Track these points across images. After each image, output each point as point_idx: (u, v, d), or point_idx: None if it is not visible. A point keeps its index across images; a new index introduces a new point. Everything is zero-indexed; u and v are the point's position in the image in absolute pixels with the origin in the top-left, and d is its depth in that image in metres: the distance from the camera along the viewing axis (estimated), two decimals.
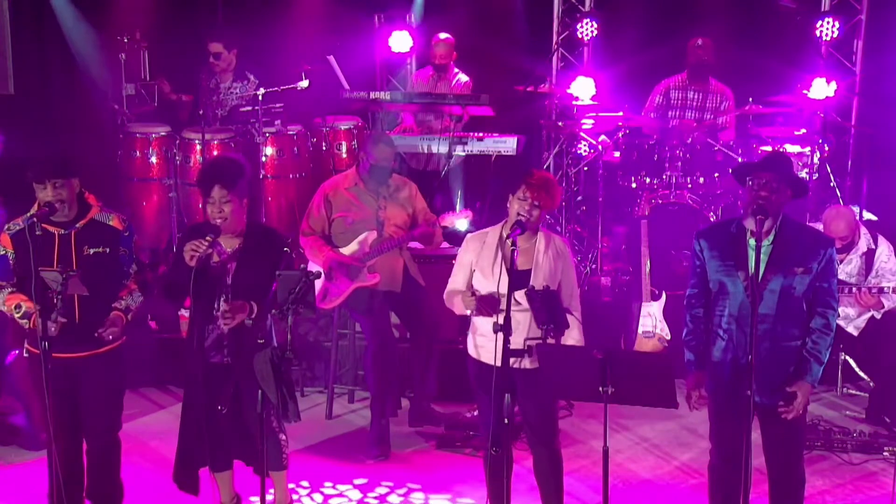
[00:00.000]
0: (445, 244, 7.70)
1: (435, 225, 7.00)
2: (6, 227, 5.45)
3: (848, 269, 7.36)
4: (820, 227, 7.38)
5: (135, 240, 5.58)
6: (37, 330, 5.17)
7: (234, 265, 5.53)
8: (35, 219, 5.29)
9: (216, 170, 5.59)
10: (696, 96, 9.12)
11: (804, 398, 5.05)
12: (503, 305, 5.08)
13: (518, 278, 5.25)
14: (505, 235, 5.32)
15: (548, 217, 8.93)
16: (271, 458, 5.67)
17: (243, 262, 5.52)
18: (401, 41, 9.83)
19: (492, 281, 5.27)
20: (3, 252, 5.43)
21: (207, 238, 5.36)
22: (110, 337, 5.37)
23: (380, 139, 7.09)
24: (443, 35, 9.40)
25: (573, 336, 5.35)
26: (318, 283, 6.68)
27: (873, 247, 7.35)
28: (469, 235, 5.60)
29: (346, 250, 6.89)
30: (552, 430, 5.54)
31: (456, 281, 5.52)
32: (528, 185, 5.30)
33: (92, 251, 5.37)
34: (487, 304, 5.25)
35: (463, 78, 9.38)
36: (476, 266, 5.42)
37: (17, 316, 5.38)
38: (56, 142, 8.62)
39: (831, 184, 9.27)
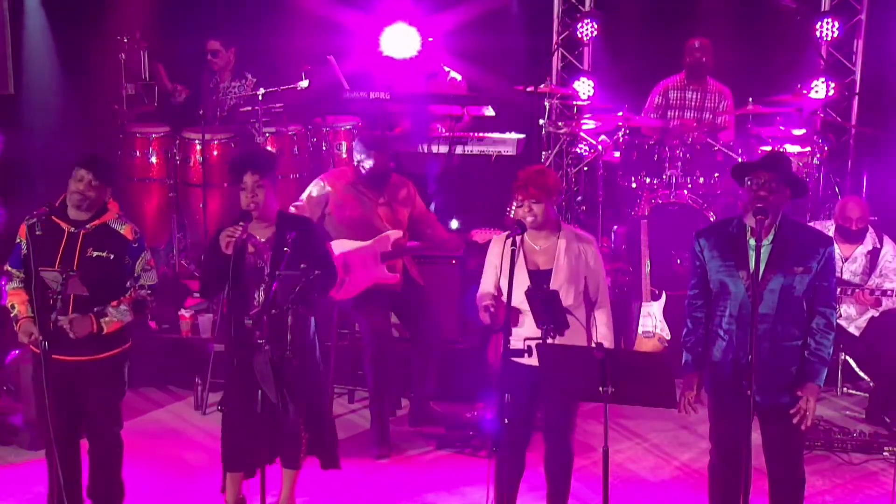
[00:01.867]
0: None
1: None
2: (26, 218, 5.48)
3: (853, 267, 7.38)
4: (825, 225, 7.39)
5: (147, 258, 5.51)
6: (29, 331, 5.25)
7: (269, 255, 5.54)
8: (35, 218, 5.32)
9: (248, 156, 5.67)
10: (694, 96, 9.12)
11: (814, 401, 5.05)
12: (520, 306, 5.13)
13: (540, 278, 5.34)
14: (506, 236, 5.34)
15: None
16: (289, 456, 5.73)
17: (279, 250, 5.52)
18: (402, 44, 9.69)
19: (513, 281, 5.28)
20: (18, 241, 5.46)
21: (240, 224, 5.40)
22: (71, 333, 5.27)
23: (374, 146, 7.02)
24: (428, 39, 9.37)
25: (602, 333, 5.43)
26: None
27: (878, 246, 7.37)
28: (495, 238, 5.66)
29: (354, 245, 6.90)
30: (569, 425, 5.55)
31: (486, 283, 5.56)
32: (517, 188, 5.35)
33: (95, 254, 5.36)
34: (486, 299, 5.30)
35: (456, 77, 9.36)
36: (499, 268, 5.45)
37: (11, 315, 5.41)
38: (56, 142, 8.61)
39: (831, 184, 9.28)
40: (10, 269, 5.50)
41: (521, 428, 5.36)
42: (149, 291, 5.52)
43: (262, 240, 5.58)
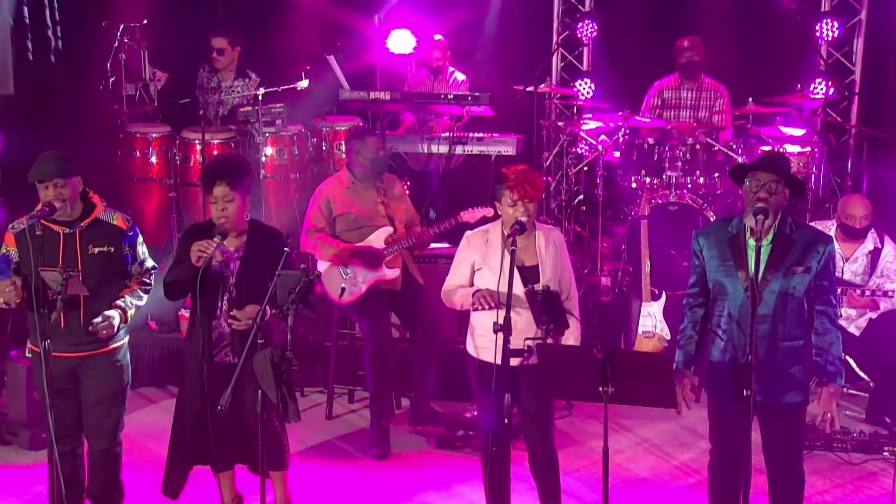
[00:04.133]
0: (445, 244, 7.71)
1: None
2: (11, 225, 5.46)
3: (853, 267, 7.38)
4: (826, 225, 7.39)
5: (142, 241, 5.58)
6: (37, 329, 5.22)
7: (237, 264, 5.53)
8: (36, 218, 5.29)
9: (219, 167, 5.61)
10: (689, 95, 9.12)
11: (834, 402, 5.06)
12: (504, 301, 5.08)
13: (526, 275, 5.31)
14: (506, 235, 5.31)
15: (549, 221, 8.94)
16: (273, 459, 5.67)
17: (247, 261, 5.52)
18: (402, 42, 9.83)
19: (498, 278, 5.26)
20: (4, 251, 5.43)
21: (216, 240, 5.35)
22: (103, 333, 5.35)
23: (366, 134, 7.14)
24: (436, 37, 9.41)
25: (570, 326, 5.36)
26: (339, 281, 6.74)
27: (879, 246, 7.37)
28: (469, 233, 5.59)
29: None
30: (549, 427, 5.55)
31: (455, 278, 5.52)
32: (511, 187, 5.29)
33: (97, 250, 5.38)
34: (492, 298, 5.25)
35: (460, 77, 9.39)
36: (482, 264, 5.41)
37: None
38: (56, 142, 8.59)
39: (831, 184, 9.27)
40: None
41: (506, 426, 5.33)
42: (152, 273, 5.61)
43: (231, 249, 5.56)
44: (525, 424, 5.56)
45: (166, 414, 7.46)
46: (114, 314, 5.38)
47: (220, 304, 5.52)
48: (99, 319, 5.34)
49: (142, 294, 5.55)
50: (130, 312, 5.47)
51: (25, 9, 9.25)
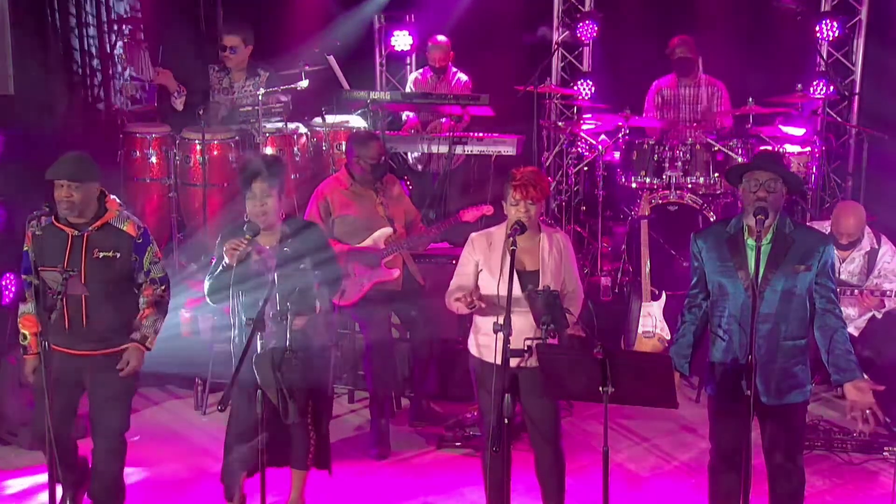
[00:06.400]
0: (445, 244, 7.72)
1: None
2: (29, 226, 5.48)
3: (850, 268, 7.36)
4: (824, 225, 7.38)
5: (154, 250, 5.53)
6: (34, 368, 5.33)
7: (274, 262, 5.52)
8: (38, 217, 5.31)
9: (257, 164, 5.60)
10: (687, 92, 9.16)
11: (869, 395, 5.02)
12: (503, 304, 5.07)
13: (526, 279, 5.31)
14: (507, 235, 5.31)
15: (549, 221, 8.94)
16: (298, 457, 5.74)
17: (286, 256, 5.50)
18: (401, 41, 9.92)
19: (498, 280, 5.27)
20: (26, 249, 5.47)
21: (247, 237, 5.37)
22: (128, 371, 5.39)
23: (368, 138, 7.10)
24: (440, 38, 9.42)
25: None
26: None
27: (876, 246, 7.35)
28: (474, 235, 5.59)
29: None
30: (556, 429, 5.54)
31: (463, 278, 5.52)
32: (515, 187, 5.31)
33: (101, 255, 5.37)
34: (466, 300, 5.26)
35: (462, 77, 9.40)
36: (483, 265, 5.42)
37: (21, 342, 5.46)
38: (56, 142, 8.60)
39: (831, 184, 9.27)
40: (26, 277, 5.51)
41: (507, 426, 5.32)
42: (162, 287, 5.56)
43: (268, 247, 5.57)
44: (530, 427, 5.56)
45: (166, 413, 7.51)
46: (131, 353, 5.43)
47: (261, 303, 5.50)
48: (120, 366, 5.39)
49: (158, 315, 5.53)
50: (149, 340, 5.49)
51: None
